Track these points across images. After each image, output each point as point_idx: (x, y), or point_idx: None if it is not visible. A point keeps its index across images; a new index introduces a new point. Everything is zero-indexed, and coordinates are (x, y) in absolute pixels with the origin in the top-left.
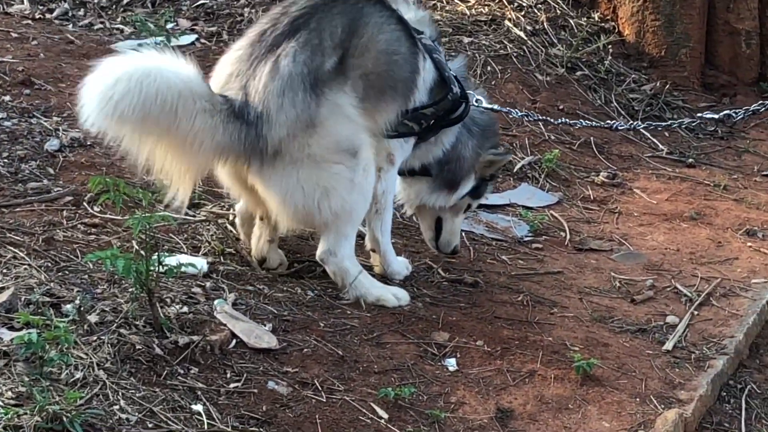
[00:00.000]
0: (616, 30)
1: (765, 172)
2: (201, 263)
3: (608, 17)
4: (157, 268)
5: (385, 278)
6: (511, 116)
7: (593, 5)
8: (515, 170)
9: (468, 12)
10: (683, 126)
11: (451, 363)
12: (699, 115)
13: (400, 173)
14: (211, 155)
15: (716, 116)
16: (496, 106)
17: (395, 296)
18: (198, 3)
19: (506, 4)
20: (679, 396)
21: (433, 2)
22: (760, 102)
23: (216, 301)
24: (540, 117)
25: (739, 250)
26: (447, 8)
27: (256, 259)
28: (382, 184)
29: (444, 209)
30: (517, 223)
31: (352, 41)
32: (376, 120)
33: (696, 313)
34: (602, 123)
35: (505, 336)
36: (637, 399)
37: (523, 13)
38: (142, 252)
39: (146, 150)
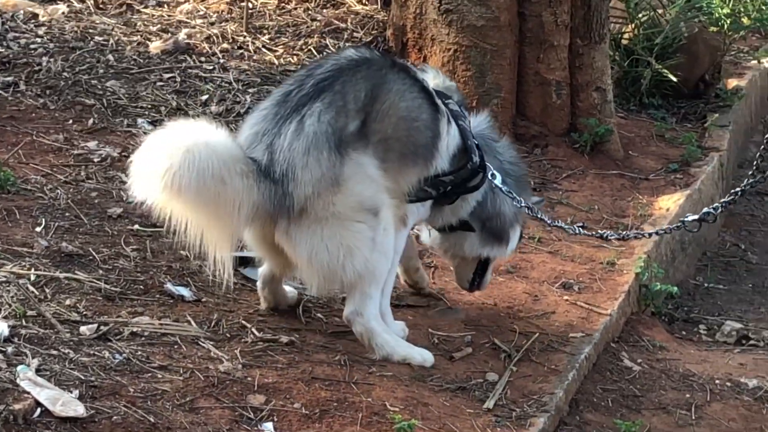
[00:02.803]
0: None
1: (578, 224)
2: (1, 327)
3: (419, 67)
4: None
5: None
6: (516, 205)
7: (403, 54)
8: None
9: (276, 62)
10: (666, 232)
11: (268, 428)
12: (681, 219)
13: (440, 230)
14: (248, 216)
15: (696, 217)
16: (505, 188)
17: (421, 356)
18: None
19: (315, 53)
20: None
21: (240, 51)
22: (732, 192)
23: (18, 368)
24: (541, 217)
25: (556, 304)
26: (255, 57)
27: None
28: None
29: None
30: None
31: (374, 106)
32: (399, 183)
33: (515, 369)
34: (594, 233)
35: (323, 397)
36: None
37: None
38: None
39: (190, 218)
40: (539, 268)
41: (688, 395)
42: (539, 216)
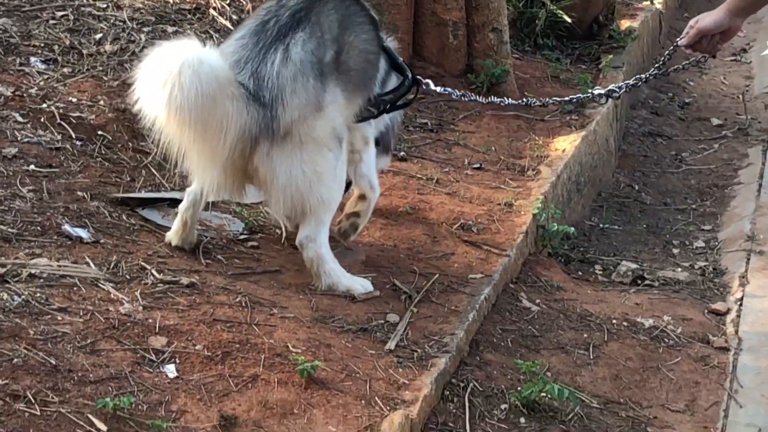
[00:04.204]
0: None
1: (475, 165)
2: None
3: None
4: None
5: None
6: (453, 96)
7: None
8: None
9: (171, 0)
10: (578, 100)
11: (171, 369)
12: (590, 91)
13: None
14: (235, 138)
15: (603, 91)
16: (440, 89)
17: (362, 286)
18: None
19: None
20: (404, 397)
21: None
22: (636, 77)
23: None
24: (474, 97)
25: (455, 245)
26: None
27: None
28: (366, 162)
29: None
30: (231, 220)
31: (342, 38)
32: (348, 110)
33: (416, 310)
34: (520, 101)
35: (225, 339)
36: (363, 401)
37: (228, 2)
38: None
39: (182, 139)
40: (438, 209)
41: (585, 335)
42: (474, 98)
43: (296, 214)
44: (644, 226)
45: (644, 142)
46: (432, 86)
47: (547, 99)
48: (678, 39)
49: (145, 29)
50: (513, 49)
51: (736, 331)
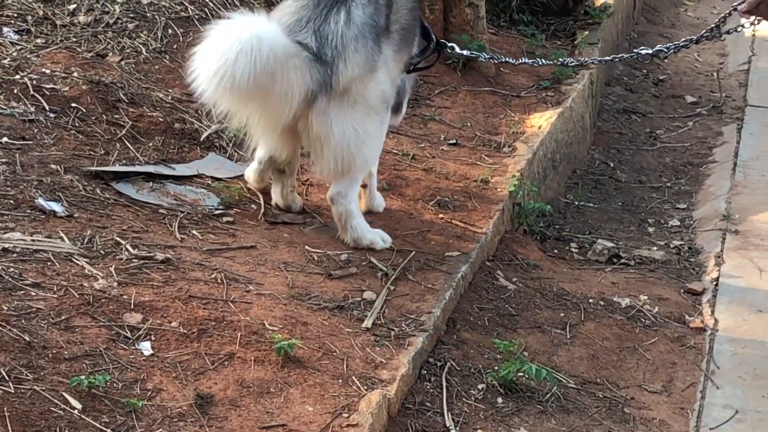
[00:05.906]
0: None
1: (451, 141)
2: None
3: None
4: None
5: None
6: (480, 59)
7: None
8: (202, 139)
9: None
10: (623, 60)
11: (146, 347)
12: (635, 51)
13: None
14: (297, 102)
15: (650, 51)
16: (466, 52)
17: (383, 240)
18: None
19: None
20: (381, 376)
21: None
22: (686, 38)
23: None
24: (505, 59)
25: (432, 222)
26: None
27: (282, 207)
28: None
29: None
30: (206, 195)
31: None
32: (398, 70)
33: (392, 288)
34: (558, 60)
35: (201, 316)
36: (340, 380)
37: None
38: None
39: (242, 111)
40: (414, 185)
41: (562, 314)
42: (505, 59)
43: (341, 171)
44: (619, 203)
45: (619, 119)
46: (458, 50)
47: (586, 59)
48: (736, 4)
49: (119, 0)
50: (489, 24)
51: (713, 312)
